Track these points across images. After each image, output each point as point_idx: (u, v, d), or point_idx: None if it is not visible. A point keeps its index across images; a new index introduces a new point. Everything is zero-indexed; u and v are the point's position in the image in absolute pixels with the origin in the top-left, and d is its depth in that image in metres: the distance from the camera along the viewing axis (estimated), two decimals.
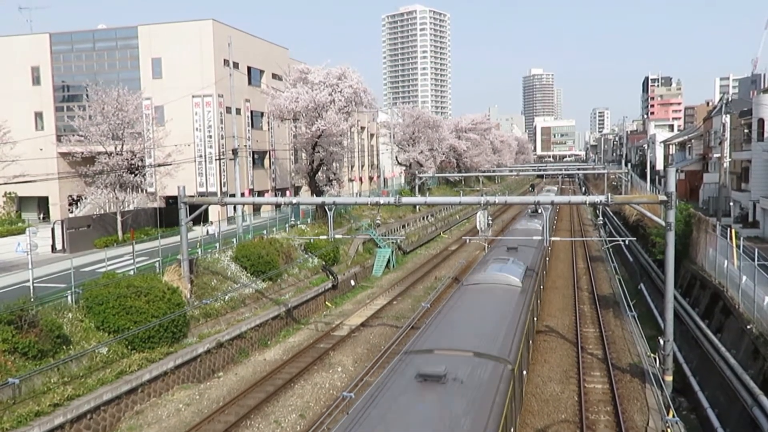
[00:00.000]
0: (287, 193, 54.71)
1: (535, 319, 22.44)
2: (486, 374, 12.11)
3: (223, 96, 45.25)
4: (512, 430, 12.62)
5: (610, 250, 43.25)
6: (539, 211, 38.13)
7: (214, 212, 44.78)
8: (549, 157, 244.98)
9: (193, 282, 25.33)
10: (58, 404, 16.59)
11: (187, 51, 46.49)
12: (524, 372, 16.20)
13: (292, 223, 39.98)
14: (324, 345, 26.34)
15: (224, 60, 44.42)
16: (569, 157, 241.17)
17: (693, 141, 68.80)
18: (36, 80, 50.53)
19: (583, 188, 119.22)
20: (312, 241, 35.04)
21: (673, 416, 16.54)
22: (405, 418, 10.05)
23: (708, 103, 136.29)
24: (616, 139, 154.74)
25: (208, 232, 33.48)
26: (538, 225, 32.82)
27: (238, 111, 46.86)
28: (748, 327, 18.48)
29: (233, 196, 40.21)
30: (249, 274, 29.36)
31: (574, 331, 27.22)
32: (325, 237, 29.52)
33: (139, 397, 19.58)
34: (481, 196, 22.74)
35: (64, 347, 18.56)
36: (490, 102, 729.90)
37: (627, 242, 38.97)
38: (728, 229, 24.13)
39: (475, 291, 19.57)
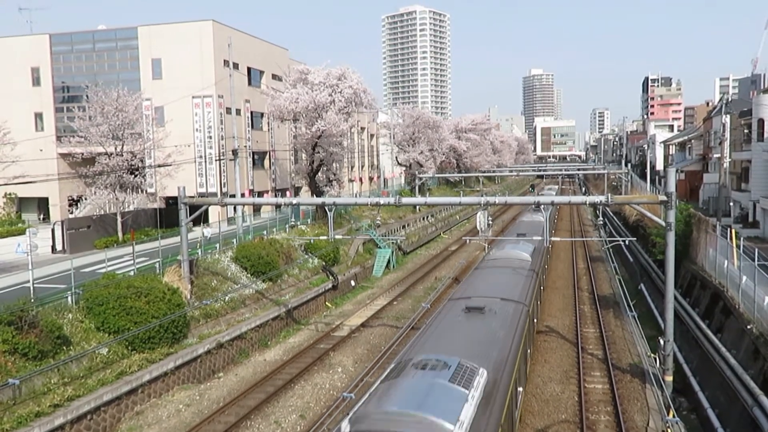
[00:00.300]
0: (287, 193, 54.74)
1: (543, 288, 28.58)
2: (510, 309, 17.23)
3: (223, 97, 45.27)
4: (529, 348, 18.30)
5: (610, 250, 43.25)
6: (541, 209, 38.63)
7: (214, 213, 44.79)
8: (550, 157, 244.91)
9: (193, 283, 25.33)
10: (58, 405, 16.59)
11: (187, 52, 46.51)
12: (536, 316, 22.15)
13: (293, 223, 39.99)
14: (324, 345, 26.34)
15: (224, 61, 44.43)
16: (570, 158, 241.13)
17: (693, 141, 68.82)
18: (36, 81, 50.56)
19: (583, 188, 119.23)
20: (312, 241, 35.03)
21: (674, 416, 16.55)
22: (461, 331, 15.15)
23: (708, 104, 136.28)
24: (616, 139, 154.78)
25: (203, 234, 33.09)
26: (541, 217, 36.22)
27: (238, 111, 46.88)
28: (749, 327, 18.49)
29: (233, 196, 40.23)
30: (249, 275, 29.36)
31: (575, 331, 27.21)
32: (325, 237, 29.50)
33: (140, 397, 19.58)
34: (481, 196, 22.79)
35: (65, 348, 18.56)
36: (490, 102, 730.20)
37: (627, 242, 38.98)
38: (728, 229, 24.13)
39: (498, 260, 25.00)
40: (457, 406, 10.05)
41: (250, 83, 51.48)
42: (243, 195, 41.16)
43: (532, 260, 24.93)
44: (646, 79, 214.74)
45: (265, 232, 35.22)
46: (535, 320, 21.81)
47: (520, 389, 15.07)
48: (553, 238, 29.13)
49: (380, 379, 11.62)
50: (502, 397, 11.62)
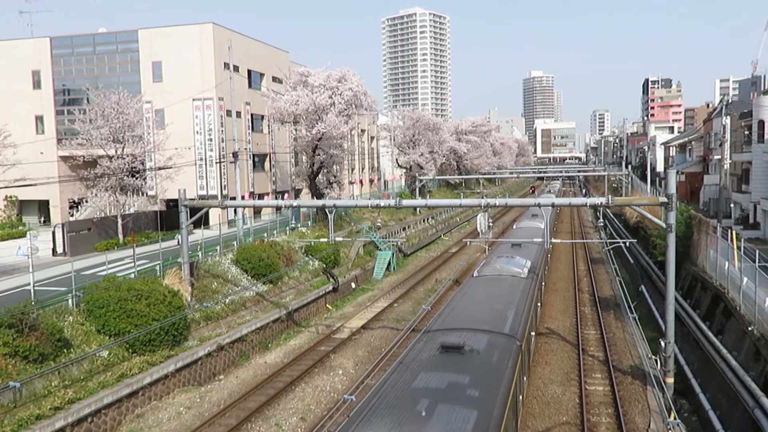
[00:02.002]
0: (287, 195, 54.71)
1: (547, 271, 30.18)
2: (498, 347, 14.51)
3: (223, 99, 45.28)
4: (520, 395, 15.09)
5: (611, 251, 43.23)
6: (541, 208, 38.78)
7: (214, 215, 44.79)
8: (550, 159, 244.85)
9: (193, 285, 25.33)
10: (59, 407, 16.59)
11: (187, 54, 46.55)
12: (530, 352, 19.33)
13: (293, 226, 39.98)
14: (325, 348, 26.32)
15: (224, 63, 44.47)
16: (570, 159, 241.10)
17: (693, 143, 68.82)
18: (36, 84, 50.57)
19: (584, 190, 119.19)
20: (312, 243, 35.07)
21: (675, 418, 16.54)
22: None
23: (708, 105, 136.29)
24: (617, 141, 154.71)
25: (179, 242, 28.55)
26: (540, 223, 35.96)
27: (238, 114, 46.89)
28: (749, 328, 18.47)
29: (234, 199, 40.21)
30: (249, 277, 29.37)
31: (575, 333, 27.20)
32: (325, 240, 29.52)
33: (140, 400, 19.58)
34: (482, 198, 22.69)
35: (65, 350, 18.57)
36: (490, 104, 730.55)
37: (627, 244, 38.97)
38: (729, 230, 24.15)
39: (488, 277, 22.65)
40: None
41: (250, 86, 51.50)
42: (243, 197, 41.15)
43: (527, 278, 22.16)
44: (646, 80, 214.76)
45: (265, 235, 35.23)
46: (529, 358, 18.72)
47: None
48: (553, 240, 29.11)
49: None
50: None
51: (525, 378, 16.65)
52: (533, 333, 20.16)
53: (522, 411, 16.60)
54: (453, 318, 16.75)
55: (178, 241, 26.72)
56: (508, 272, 22.50)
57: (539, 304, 23.50)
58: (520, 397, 15.14)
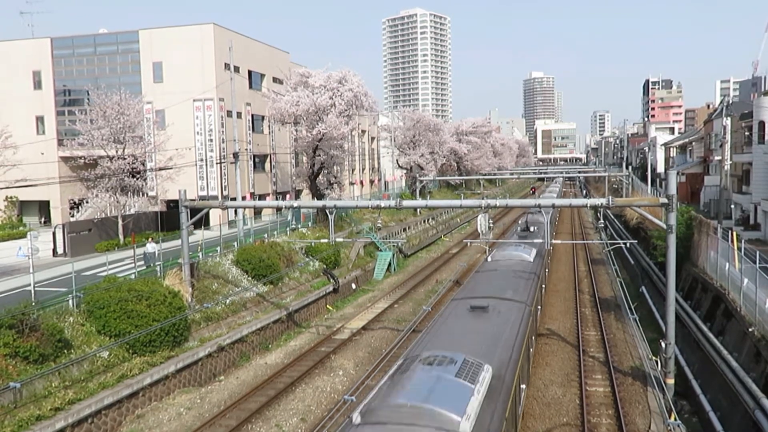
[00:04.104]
0: (288, 196, 54.72)
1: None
2: (513, 309, 17.79)
3: (224, 100, 45.30)
4: (531, 348, 19.26)
5: (611, 253, 43.22)
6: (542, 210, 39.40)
7: (215, 216, 44.81)
8: (550, 160, 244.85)
9: (194, 286, 25.32)
10: (59, 408, 16.59)
11: (188, 55, 46.58)
12: (537, 317, 23.08)
13: (293, 226, 39.99)
14: (325, 348, 26.32)
15: (225, 64, 44.50)
16: (569, 160, 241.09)
17: (694, 144, 68.85)
18: (37, 84, 50.61)
19: (584, 191, 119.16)
20: (313, 244, 35.07)
21: (675, 419, 16.50)
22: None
23: (708, 106, 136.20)
24: (617, 142, 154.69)
25: (146, 251, 28.49)
26: (541, 219, 37.58)
27: (239, 115, 46.93)
28: (750, 330, 18.46)
29: (234, 199, 40.22)
30: (250, 278, 29.38)
31: (576, 334, 27.18)
32: (326, 240, 29.59)
33: (141, 401, 19.57)
34: (482, 199, 22.70)
35: (66, 351, 18.56)
36: (490, 105, 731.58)
37: (628, 245, 38.95)
38: (729, 231, 24.13)
39: (500, 261, 26.12)
40: (464, 400, 10.31)
41: (251, 86, 51.53)
42: (244, 198, 41.16)
43: (534, 262, 25.33)
44: (647, 81, 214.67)
45: (265, 235, 35.24)
46: (537, 322, 22.25)
47: (523, 386, 15.26)
48: (554, 241, 29.13)
49: (388, 374, 11.73)
50: (506, 392, 11.81)
51: (533, 337, 20.22)
52: (540, 306, 24.01)
53: (531, 364, 20.31)
54: (476, 290, 20.01)
55: (146, 249, 26.33)
56: (518, 257, 25.63)
57: (543, 285, 26.92)
58: (531, 350, 18.81)
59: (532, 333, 19.23)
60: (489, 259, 26.64)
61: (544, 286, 27.61)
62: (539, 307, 23.58)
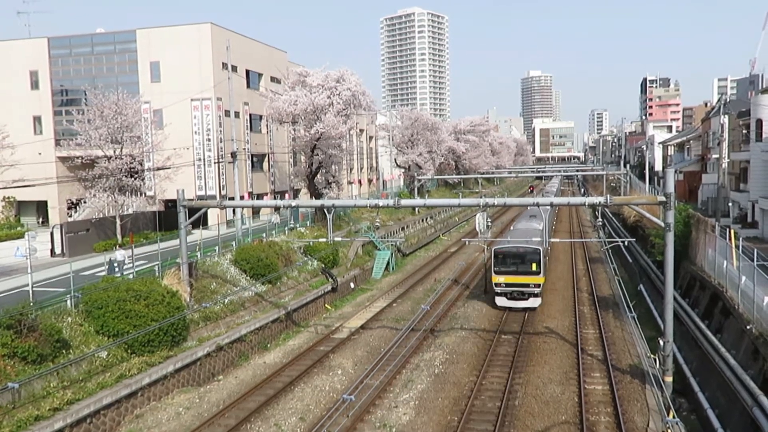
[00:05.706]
0: (286, 196, 54.68)
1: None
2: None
3: (221, 99, 45.26)
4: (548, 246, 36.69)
5: (610, 251, 43.24)
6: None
7: (213, 215, 44.76)
8: (549, 158, 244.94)
9: (192, 285, 25.30)
10: (57, 408, 16.57)
11: (185, 55, 46.51)
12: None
13: (292, 226, 39.95)
14: (324, 348, 26.32)
15: (223, 63, 44.45)
16: (567, 159, 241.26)
17: (691, 142, 68.88)
18: (34, 84, 50.51)
19: (582, 189, 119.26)
20: (311, 243, 35.04)
21: (674, 417, 16.56)
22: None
23: (706, 104, 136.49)
24: (615, 140, 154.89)
25: (115, 259, 26.93)
26: (540, 221, 40.76)
27: (236, 114, 46.84)
28: (748, 327, 18.49)
29: (232, 199, 40.17)
30: (248, 278, 29.35)
31: (574, 332, 27.22)
32: (324, 240, 29.52)
33: (139, 401, 19.56)
34: (480, 197, 22.70)
35: (64, 351, 18.54)
36: (488, 104, 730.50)
37: (626, 243, 38.99)
38: (727, 229, 24.16)
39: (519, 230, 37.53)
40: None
41: (248, 86, 51.48)
42: (242, 197, 41.12)
43: (541, 229, 35.56)
44: (645, 80, 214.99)
45: (264, 235, 35.22)
46: (548, 259, 38.13)
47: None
48: (552, 240, 29.17)
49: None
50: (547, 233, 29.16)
51: (549, 248, 37.33)
52: (549, 249, 39.00)
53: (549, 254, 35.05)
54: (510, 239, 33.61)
55: (115, 257, 25.48)
56: (530, 226, 36.82)
57: (549, 247, 39.51)
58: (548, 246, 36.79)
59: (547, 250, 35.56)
60: (512, 228, 39.54)
61: (549, 247, 40.69)
62: (548, 252, 37.75)
